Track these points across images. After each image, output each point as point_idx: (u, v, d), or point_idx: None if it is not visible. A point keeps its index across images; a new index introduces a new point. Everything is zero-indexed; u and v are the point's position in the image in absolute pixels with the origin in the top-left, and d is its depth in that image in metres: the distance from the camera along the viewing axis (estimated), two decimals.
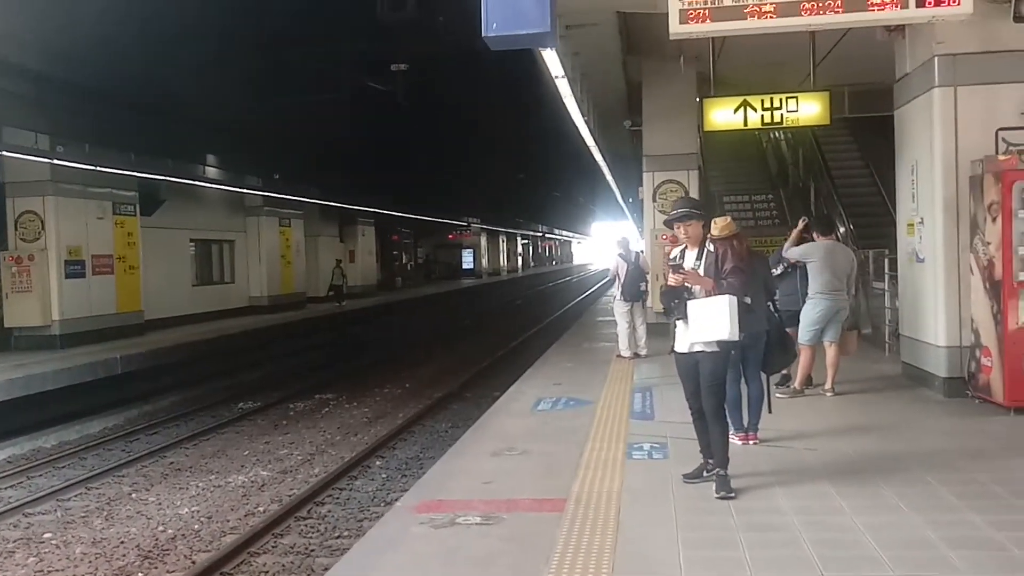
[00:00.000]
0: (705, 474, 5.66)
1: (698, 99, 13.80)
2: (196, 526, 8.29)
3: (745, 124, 9.55)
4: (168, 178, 18.54)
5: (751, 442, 6.70)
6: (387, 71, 17.79)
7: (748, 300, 5.82)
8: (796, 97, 9.55)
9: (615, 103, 16.80)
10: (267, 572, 7.06)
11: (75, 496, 9.45)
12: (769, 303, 6.78)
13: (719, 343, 5.42)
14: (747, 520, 4.88)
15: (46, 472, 10.62)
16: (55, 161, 15.16)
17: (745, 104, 9.53)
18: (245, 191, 23.19)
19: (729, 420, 6.41)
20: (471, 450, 7.03)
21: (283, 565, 7.17)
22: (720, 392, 5.54)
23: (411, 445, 11.40)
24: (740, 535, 4.63)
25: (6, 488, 9.96)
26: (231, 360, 18.15)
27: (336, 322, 25.73)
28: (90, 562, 7.40)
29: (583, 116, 13.68)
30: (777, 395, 8.11)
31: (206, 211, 22.87)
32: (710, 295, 5.46)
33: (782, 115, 9.55)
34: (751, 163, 21.47)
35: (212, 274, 23.80)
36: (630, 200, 34.72)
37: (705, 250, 5.61)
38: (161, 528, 8.23)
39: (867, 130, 19.04)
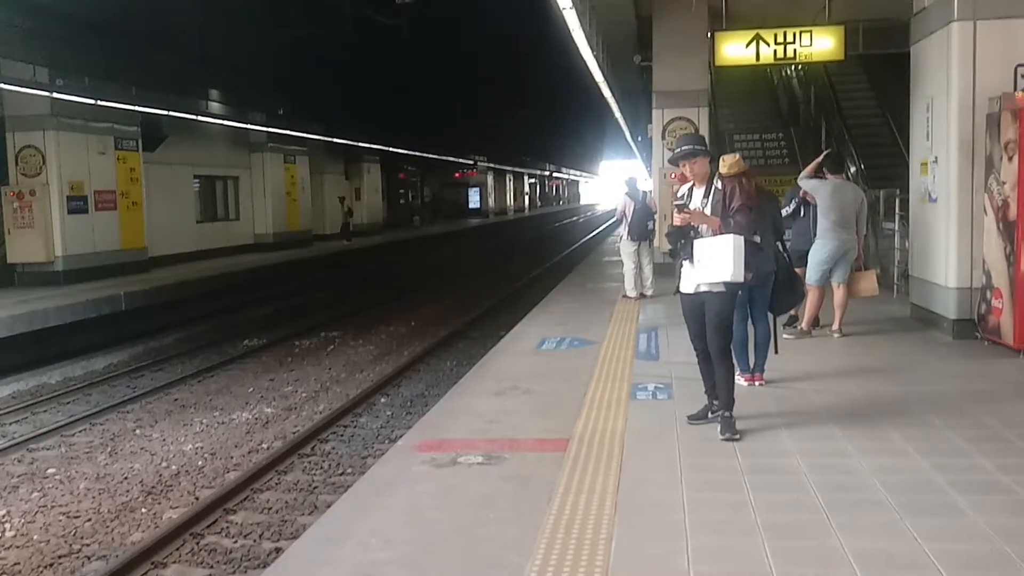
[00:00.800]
0: (710, 415, 5.59)
1: (710, 34, 13.52)
2: (200, 462, 8.29)
3: (757, 59, 9.33)
4: (170, 113, 18.26)
5: (757, 383, 6.63)
6: (391, 3, 17.41)
7: (757, 239, 5.69)
8: (810, 31, 9.30)
9: (625, 38, 16.44)
10: (270, 508, 7.05)
11: (79, 432, 9.45)
12: (778, 242, 6.64)
13: (725, 283, 5.30)
14: (752, 462, 4.81)
15: (50, 408, 10.62)
16: (55, 94, 14.91)
17: (758, 38, 9.29)
18: (249, 127, 22.91)
19: (735, 361, 6.33)
20: (474, 389, 6.97)
21: (286, 502, 7.16)
22: (726, 333, 5.44)
23: (416, 383, 11.36)
24: (744, 477, 4.56)
25: (11, 423, 9.97)
26: (236, 297, 18.12)
27: (342, 260, 25.64)
28: (93, 497, 7.41)
29: (592, 51, 13.37)
30: (784, 336, 8.01)
31: (210, 147, 22.64)
32: (716, 234, 5.33)
33: (795, 50, 9.32)
34: (762, 101, 21.11)
35: (217, 211, 23.65)
36: (639, 138, 34.29)
37: (712, 188, 5.46)
38: (165, 464, 8.23)
39: (880, 68, 18.67)
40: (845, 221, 8.37)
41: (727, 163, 6.20)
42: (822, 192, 8.36)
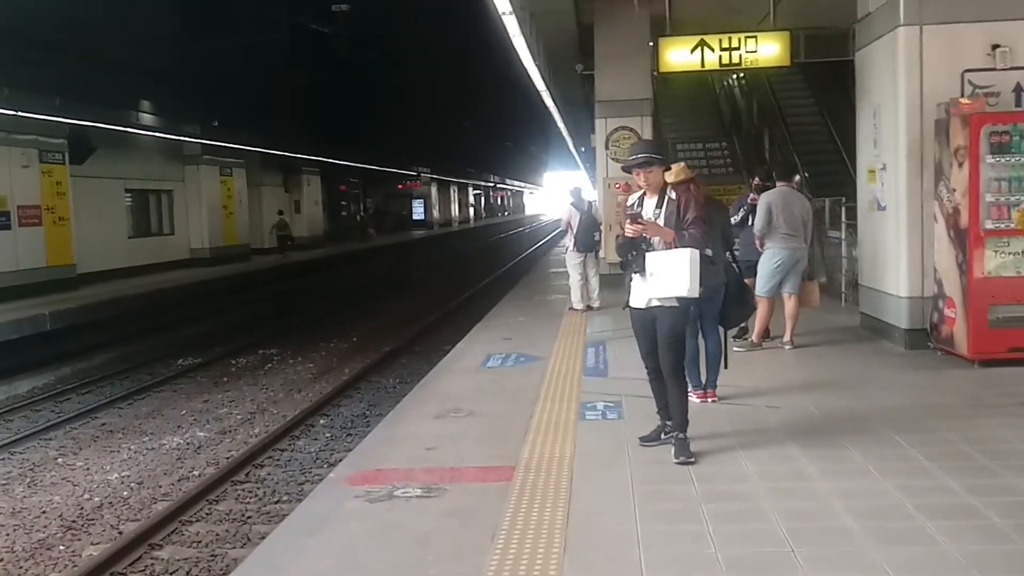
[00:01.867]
0: (663, 436, 5.31)
1: (652, 42, 13.38)
2: (125, 493, 7.81)
3: (702, 65, 9.16)
4: (97, 124, 17.58)
5: (710, 400, 6.39)
6: (328, 11, 17.01)
7: (709, 252, 5.46)
8: (755, 37, 9.17)
9: (566, 46, 16.25)
10: (199, 542, 6.61)
11: None
12: (728, 253, 6.41)
13: (679, 298, 5.04)
14: (709, 489, 4.53)
15: None
16: None
17: (703, 44, 9.13)
18: (182, 138, 22.24)
19: (687, 377, 6.09)
20: (414, 413, 6.60)
21: (217, 534, 6.73)
22: (679, 350, 5.18)
23: (357, 402, 10.97)
24: (702, 506, 4.28)
25: None
26: (170, 314, 17.49)
27: (281, 274, 25.04)
28: (7, 535, 6.90)
29: (534, 59, 13.14)
30: (734, 348, 7.80)
31: (142, 160, 21.89)
32: (670, 247, 5.08)
33: (741, 55, 9.17)
34: (704, 110, 21.14)
35: (150, 225, 22.89)
36: (582, 149, 34.32)
37: (666, 198, 5.20)
38: (87, 496, 7.73)
39: (821, 77, 18.80)
40: (793, 230, 8.22)
41: (674, 171, 5.96)
42: (775, 199, 8.19)
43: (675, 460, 4.97)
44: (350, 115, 28.94)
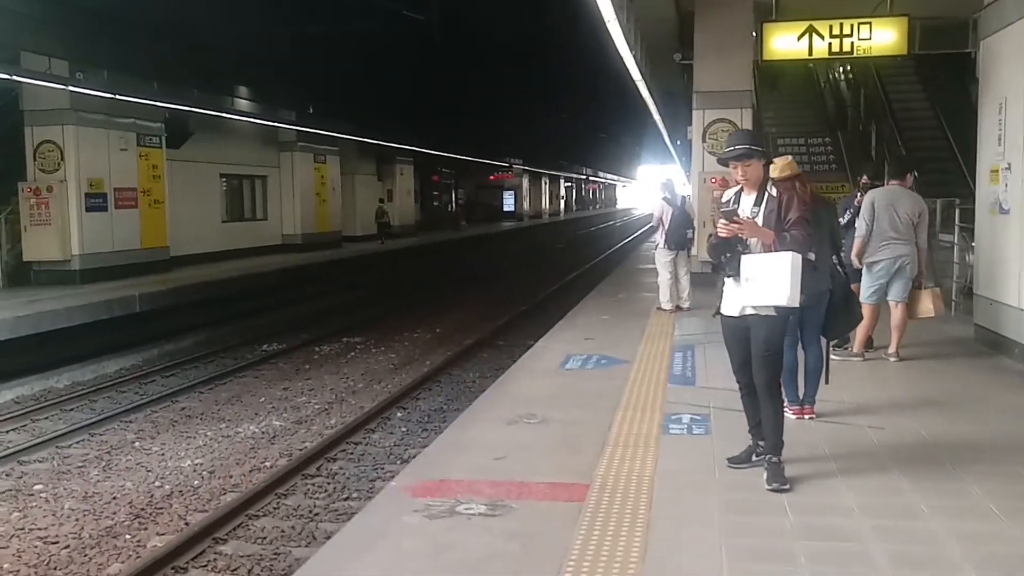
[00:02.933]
0: (754, 458, 4.83)
1: (753, 33, 12.73)
2: (196, 482, 7.69)
3: (810, 53, 8.51)
4: (194, 109, 17.77)
5: (807, 417, 5.85)
6: None
7: (812, 256, 4.94)
8: (869, 23, 8.45)
9: (665, 35, 15.64)
10: (264, 538, 6.41)
11: (76, 443, 8.92)
12: (834, 257, 5.85)
13: (777, 307, 4.56)
14: (805, 522, 4.04)
15: (52, 415, 10.12)
16: (73, 88, 14.45)
17: (811, 31, 8.48)
18: (277, 125, 22.41)
19: (783, 391, 5.58)
20: (485, 416, 6.24)
21: (282, 531, 6.52)
22: (775, 364, 4.69)
23: (436, 395, 10.72)
24: (797, 544, 3.79)
25: (8, 431, 9.47)
26: (259, 299, 17.60)
27: (372, 263, 25.10)
28: (76, 520, 6.84)
29: (630, 48, 12.62)
30: (832, 357, 7.19)
31: (238, 145, 22.17)
32: (769, 250, 4.59)
33: (853, 43, 8.48)
34: (807, 104, 20.26)
35: (243, 210, 23.18)
36: (678, 142, 33.42)
37: (766, 195, 4.70)
38: (158, 483, 7.63)
39: (934, 70, 17.78)
40: (899, 233, 7.54)
41: (778, 166, 5.46)
42: (879, 199, 7.54)
43: (767, 486, 4.49)
44: (444, 105, 28.79)
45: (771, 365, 4.65)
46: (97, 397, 10.89)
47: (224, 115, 19.44)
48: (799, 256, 4.52)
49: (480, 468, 4.93)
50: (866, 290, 7.52)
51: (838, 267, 5.84)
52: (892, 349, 7.78)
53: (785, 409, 5.71)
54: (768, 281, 4.50)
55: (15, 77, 13.61)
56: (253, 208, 23.60)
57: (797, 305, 4.56)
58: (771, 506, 4.28)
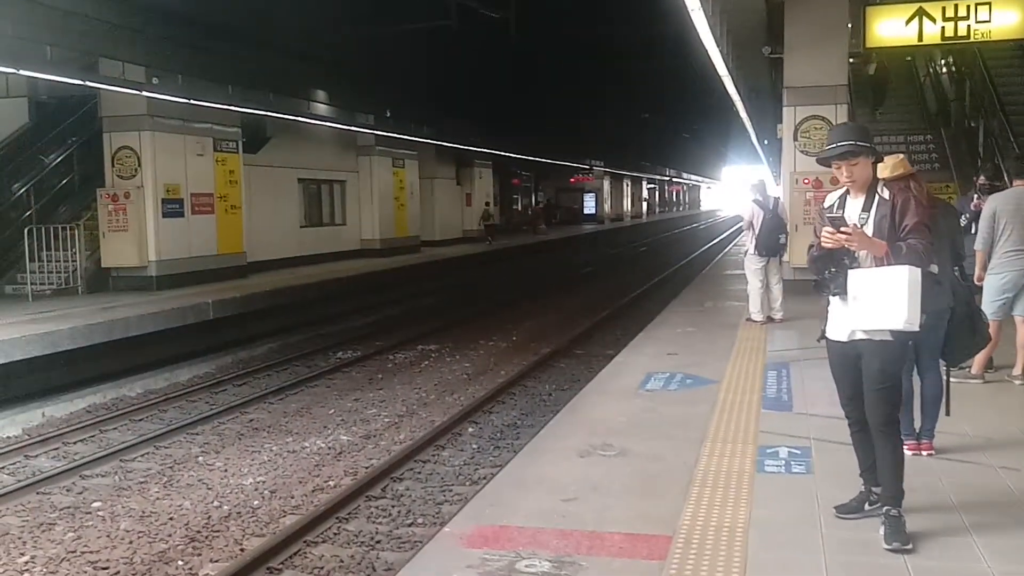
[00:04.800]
0: (867, 507, 4.13)
1: (849, 24, 11.90)
2: (256, 502, 7.34)
3: (920, 39, 7.71)
4: (270, 113, 17.66)
5: (924, 453, 5.11)
6: None
7: (935, 269, 4.22)
8: (988, 3, 7.55)
9: (753, 27, 14.82)
10: (321, 568, 5.99)
11: (140, 456, 8.70)
12: (956, 268, 5.09)
13: (893, 332, 3.87)
14: None
15: (121, 425, 9.97)
16: (149, 94, 14.42)
17: (921, 13, 7.66)
18: (355, 129, 22.24)
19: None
20: (555, 446, 5.64)
21: (341, 560, 6.09)
22: (893, 399, 4.00)
23: (509, 409, 10.22)
24: None
25: (75, 442, 9.33)
26: (337, 306, 17.40)
27: (451, 268, 24.78)
28: (131, 542, 6.53)
29: (715, 41, 11.91)
30: (952, 380, 6.39)
31: (315, 150, 22.08)
32: (881, 263, 3.91)
33: (969, 27, 7.62)
34: (906, 100, 19.09)
35: (322, 215, 23.08)
36: (765, 142, 32.29)
37: (876, 198, 4.02)
38: (217, 504, 7.30)
39: None
40: None
41: (889, 164, 4.73)
42: (1003, 204, 6.70)
43: (886, 545, 3.79)
44: (523, 106, 28.34)
45: (888, 400, 3.96)
46: (167, 407, 10.72)
47: (301, 119, 19.28)
48: (917, 270, 3.83)
49: (546, 513, 4.35)
50: (989, 305, 6.69)
51: (961, 280, 5.08)
52: (1018, 370, 6.93)
53: None
54: (881, 300, 3.82)
55: (92, 83, 13.62)
56: (331, 213, 23.49)
57: (917, 328, 3.86)
58: (891, 570, 3.59)
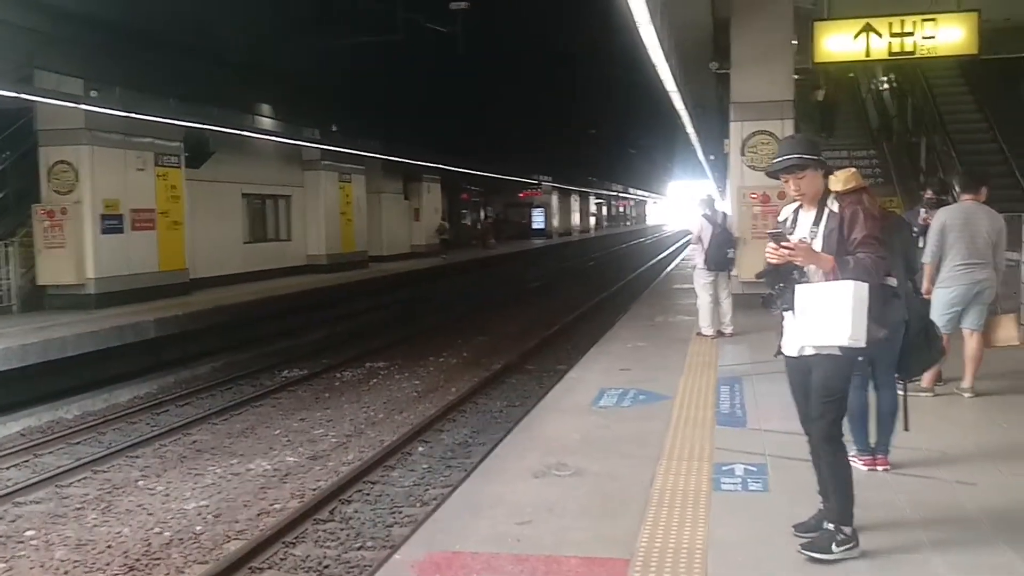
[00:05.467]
0: (825, 525, 4.08)
1: (794, 41, 12.04)
2: (199, 527, 7.08)
3: (867, 54, 7.79)
4: (212, 127, 17.32)
5: (880, 468, 5.09)
6: (445, 9, 16.23)
7: (893, 282, 4.19)
8: (934, 19, 7.67)
9: (700, 42, 14.96)
10: None
11: (77, 481, 8.37)
12: (909, 281, 5.09)
13: (841, 347, 3.83)
14: None
15: (57, 449, 9.60)
16: (87, 107, 14.03)
17: (868, 29, 7.75)
18: (299, 143, 21.94)
19: (852, 437, 4.85)
20: (509, 466, 5.50)
21: None
22: (833, 413, 3.93)
23: (460, 427, 10.06)
24: None
25: (8, 467, 8.95)
26: (282, 322, 17.06)
27: (398, 283, 24.53)
28: (65, 572, 6.26)
29: (664, 55, 11.97)
30: (909, 394, 6.38)
31: (260, 164, 21.71)
32: (830, 278, 3.86)
33: (915, 43, 7.72)
34: (849, 116, 19.43)
35: (267, 231, 22.69)
36: (711, 157, 32.69)
37: (827, 212, 3.97)
38: (157, 530, 7.03)
39: (985, 78, 16.94)
40: (977, 253, 6.75)
41: (841, 178, 4.73)
42: (951, 218, 6.76)
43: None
44: (470, 121, 28.30)
45: (828, 416, 3.92)
46: (106, 429, 10.36)
47: (245, 133, 18.95)
48: (864, 285, 3.78)
49: (501, 537, 4.21)
50: (939, 318, 6.69)
51: (915, 293, 5.08)
52: (967, 383, 6.98)
53: (854, 459, 5.00)
54: (826, 316, 3.78)
55: (27, 96, 13.20)
56: (276, 228, 23.12)
57: (863, 344, 3.82)
58: None
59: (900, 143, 17.37)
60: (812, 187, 3.99)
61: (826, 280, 3.88)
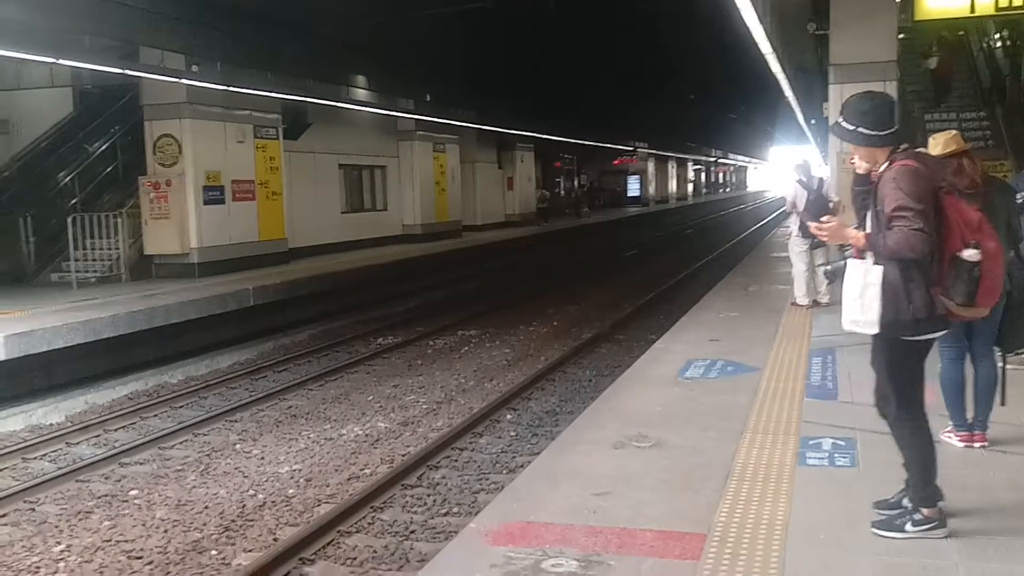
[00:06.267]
0: (905, 503, 3.91)
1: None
2: (291, 491, 7.30)
3: (972, 10, 7.31)
4: (309, 99, 17.62)
5: (977, 445, 4.86)
6: None
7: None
8: None
9: (797, 2, 14.40)
10: (354, 558, 5.92)
11: (179, 444, 8.73)
12: (1012, 251, 4.81)
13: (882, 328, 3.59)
14: None
15: (161, 412, 10.02)
16: (188, 81, 14.44)
17: None
18: (395, 114, 22.15)
19: (949, 412, 4.65)
20: (589, 436, 5.45)
21: (374, 551, 6.01)
22: (901, 389, 3.68)
23: (549, 395, 10.09)
24: None
25: (116, 429, 9.40)
26: (378, 291, 17.35)
27: (493, 252, 24.64)
28: (166, 531, 6.53)
29: (759, 17, 11.55)
30: (1008, 367, 6.07)
31: (356, 135, 22.04)
32: (870, 257, 3.61)
33: None
34: (958, 76, 18.46)
35: (363, 201, 23.05)
36: (812, 121, 31.57)
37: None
38: (252, 492, 7.28)
39: None
40: None
41: (941, 141, 4.54)
42: None
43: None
44: (564, 88, 27.99)
45: (895, 391, 3.69)
46: (207, 394, 10.76)
47: (341, 105, 19.23)
48: (877, 268, 3.52)
49: (576, 508, 4.19)
50: None
51: (1018, 262, 4.80)
52: None
53: (951, 435, 4.81)
54: (846, 299, 3.63)
55: (132, 72, 13.67)
56: (372, 199, 23.46)
57: (876, 330, 3.60)
58: (940, 571, 3.39)
59: (1013, 104, 16.43)
60: (867, 158, 3.72)
61: (868, 259, 3.62)
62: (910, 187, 3.46)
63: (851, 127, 3.68)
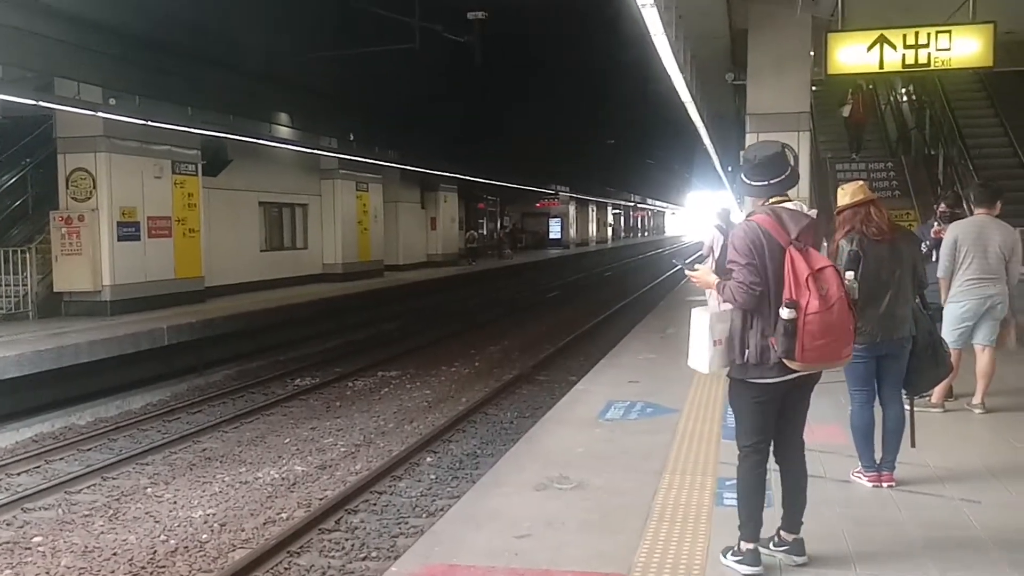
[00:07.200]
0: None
1: (811, 52, 11.94)
2: (205, 536, 7.10)
3: (881, 66, 7.67)
4: (230, 136, 17.38)
5: (885, 484, 5.02)
6: (463, 19, 16.24)
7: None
8: (948, 32, 7.57)
9: (716, 54, 14.88)
10: None
11: (86, 488, 8.42)
12: (917, 297, 5.02)
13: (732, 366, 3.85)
14: None
15: (68, 455, 9.66)
16: (105, 115, 14.11)
17: (882, 40, 7.63)
18: (317, 152, 21.99)
19: (858, 453, 4.82)
20: (510, 479, 5.45)
21: None
22: (738, 422, 4.00)
23: (469, 438, 10.07)
24: None
25: (19, 473, 9.02)
26: (296, 331, 17.08)
27: (415, 293, 24.54)
28: None
29: (679, 68, 11.90)
30: (916, 409, 6.28)
31: (277, 173, 21.77)
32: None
33: (930, 55, 7.61)
34: (868, 127, 19.26)
35: (283, 239, 22.72)
36: (729, 168, 32.52)
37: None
38: (163, 538, 7.05)
39: (1007, 90, 16.79)
40: (989, 267, 6.65)
41: (849, 191, 4.75)
42: (964, 232, 6.67)
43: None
44: (489, 131, 28.26)
45: (738, 429, 3.99)
46: (117, 436, 10.44)
47: (263, 142, 19.01)
48: (703, 315, 3.82)
49: (498, 551, 4.17)
50: (950, 333, 6.61)
51: (922, 308, 5.01)
52: (977, 399, 6.87)
53: (860, 475, 4.98)
54: (692, 341, 3.90)
55: (47, 104, 13.31)
56: (293, 237, 23.15)
57: (705, 371, 3.92)
58: None
59: (918, 155, 17.21)
60: (750, 205, 4.05)
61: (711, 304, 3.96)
62: (739, 242, 3.76)
63: (739, 175, 4.03)
